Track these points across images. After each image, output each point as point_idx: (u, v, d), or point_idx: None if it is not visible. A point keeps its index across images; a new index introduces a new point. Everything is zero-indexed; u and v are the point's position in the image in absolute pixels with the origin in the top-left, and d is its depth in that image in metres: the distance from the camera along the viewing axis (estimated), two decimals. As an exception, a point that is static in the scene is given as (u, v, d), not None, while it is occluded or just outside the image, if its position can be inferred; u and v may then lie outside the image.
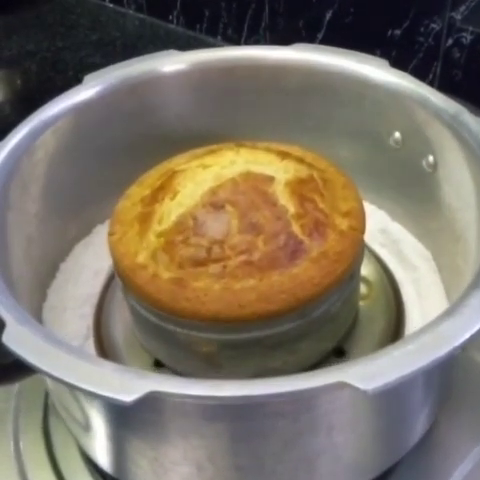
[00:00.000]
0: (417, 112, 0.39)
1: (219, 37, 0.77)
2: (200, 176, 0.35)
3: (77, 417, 0.33)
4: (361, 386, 0.24)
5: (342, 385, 0.24)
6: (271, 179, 0.34)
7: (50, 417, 0.40)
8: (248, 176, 0.34)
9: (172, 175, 0.35)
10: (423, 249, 0.43)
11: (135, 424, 0.29)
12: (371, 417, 0.30)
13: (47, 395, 0.41)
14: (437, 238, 0.41)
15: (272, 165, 0.35)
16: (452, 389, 0.39)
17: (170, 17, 0.82)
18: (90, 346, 0.39)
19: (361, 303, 0.40)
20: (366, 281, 0.41)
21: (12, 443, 0.39)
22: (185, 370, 0.35)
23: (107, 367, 0.25)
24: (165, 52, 0.44)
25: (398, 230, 0.45)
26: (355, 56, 0.41)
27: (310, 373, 0.25)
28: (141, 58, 0.44)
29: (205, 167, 0.36)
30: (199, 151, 0.38)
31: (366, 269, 0.41)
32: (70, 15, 0.89)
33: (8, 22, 0.88)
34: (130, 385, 0.24)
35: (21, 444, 0.39)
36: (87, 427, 0.33)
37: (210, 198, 0.33)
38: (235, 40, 0.75)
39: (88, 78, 0.42)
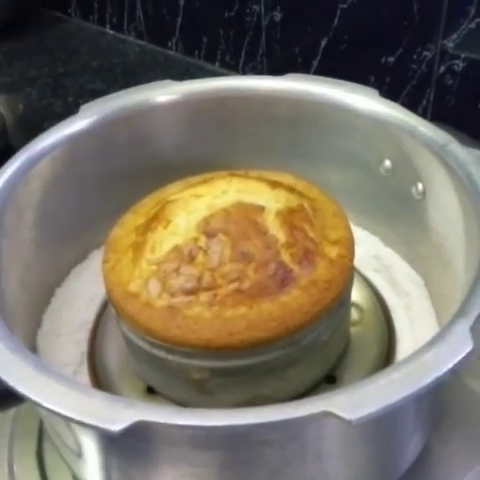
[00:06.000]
0: (406, 141, 0.40)
1: (217, 63, 0.79)
2: (192, 205, 0.35)
3: (69, 444, 0.33)
4: (345, 416, 0.24)
5: (326, 415, 0.24)
6: (262, 209, 0.35)
7: (44, 443, 0.40)
8: (239, 206, 0.35)
9: (165, 204, 0.36)
10: (415, 275, 0.44)
11: (125, 452, 0.29)
12: (359, 445, 0.30)
13: (42, 421, 0.41)
14: (427, 264, 0.42)
15: (263, 194, 0.36)
16: (444, 415, 0.39)
17: (169, 44, 0.83)
18: (84, 372, 0.39)
19: (353, 329, 0.40)
20: (358, 307, 0.42)
21: (6, 468, 0.39)
22: (177, 397, 0.36)
23: (96, 396, 0.25)
24: (160, 82, 0.45)
25: (390, 256, 0.46)
26: (345, 86, 0.42)
27: (296, 402, 0.25)
28: (136, 88, 0.45)
29: (198, 197, 0.36)
30: (193, 180, 0.39)
31: (358, 295, 0.42)
32: (71, 41, 0.90)
33: (10, 48, 0.90)
34: (118, 414, 0.24)
35: (15, 469, 0.39)
36: (79, 454, 0.33)
37: (203, 227, 0.34)
38: (233, 66, 0.77)
39: (84, 108, 0.43)
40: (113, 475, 0.33)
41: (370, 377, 0.26)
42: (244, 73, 0.76)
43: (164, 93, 0.44)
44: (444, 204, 0.38)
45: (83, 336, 0.41)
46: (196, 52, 0.80)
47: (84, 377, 0.39)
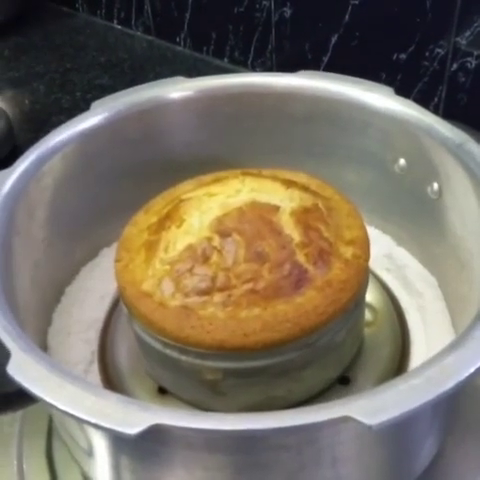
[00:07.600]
0: (422, 140, 0.39)
1: (226, 59, 0.78)
2: (206, 205, 0.35)
3: (80, 444, 0.33)
4: (366, 421, 0.24)
5: (346, 419, 0.24)
6: (276, 208, 0.34)
7: (54, 441, 0.40)
8: (254, 205, 0.34)
9: (178, 203, 0.36)
10: (428, 275, 0.43)
11: (139, 454, 0.29)
12: (375, 449, 0.30)
13: (51, 419, 0.41)
14: (442, 265, 0.41)
15: (277, 194, 0.35)
16: (457, 417, 0.39)
17: (177, 39, 0.82)
18: (94, 371, 0.39)
19: (366, 330, 0.40)
20: (371, 308, 0.41)
21: (16, 467, 0.39)
22: (189, 398, 0.35)
23: (111, 399, 0.25)
24: (172, 79, 0.44)
25: (403, 255, 0.45)
26: (361, 84, 0.42)
27: (314, 407, 0.25)
28: (148, 85, 0.44)
29: (211, 195, 0.36)
30: (205, 178, 0.39)
31: (371, 295, 0.41)
32: (79, 36, 0.90)
33: (17, 43, 0.89)
34: (134, 418, 0.24)
35: (25, 468, 0.39)
36: (90, 453, 0.33)
37: (216, 227, 0.34)
38: (242, 62, 0.76)
39: (95, 104, 0.43)
40: (124, 475, 0.33)
41: (390, 382, 0.26)
42: (253, 69, 0.75)
43: (176, 90, 0.44)
44: (461, 204, 0.37)
45: (93, 335, 0.41)
46: (204, 48, 0.80)
47: (95, 376, 0.39)
